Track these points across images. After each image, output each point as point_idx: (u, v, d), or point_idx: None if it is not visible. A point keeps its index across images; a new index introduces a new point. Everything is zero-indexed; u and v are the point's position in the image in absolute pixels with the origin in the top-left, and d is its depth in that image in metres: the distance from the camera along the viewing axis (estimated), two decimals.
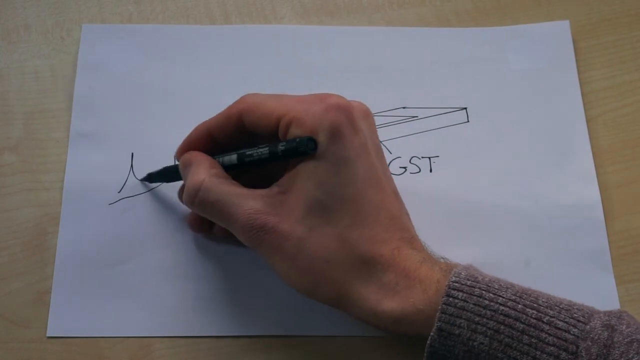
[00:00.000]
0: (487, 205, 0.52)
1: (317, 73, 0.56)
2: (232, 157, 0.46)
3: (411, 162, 0.53)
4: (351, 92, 0.55)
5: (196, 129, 0.48)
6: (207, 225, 0.49)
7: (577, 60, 0.56)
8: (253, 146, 0.46)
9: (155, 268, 0.50)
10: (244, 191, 0.45)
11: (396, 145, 0.54)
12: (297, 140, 0.43)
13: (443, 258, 0.45)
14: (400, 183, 0.52)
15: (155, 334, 0.48)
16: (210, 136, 0.47)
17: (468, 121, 0.54)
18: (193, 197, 0.45)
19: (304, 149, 0.43)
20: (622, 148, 0.54)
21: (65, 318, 0.48)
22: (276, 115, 0.44)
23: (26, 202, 0.51)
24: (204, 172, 0.46)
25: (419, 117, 0.54)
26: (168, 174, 0.50)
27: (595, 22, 0.58)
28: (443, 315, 0.40)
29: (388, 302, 0.42)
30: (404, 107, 0.55)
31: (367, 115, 0.46)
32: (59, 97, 0.55)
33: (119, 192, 0.52)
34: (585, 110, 0.55)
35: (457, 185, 0.53)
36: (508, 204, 0.52)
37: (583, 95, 0.55)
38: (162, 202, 0.52)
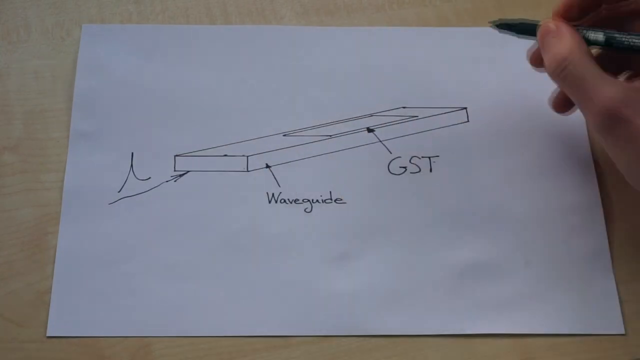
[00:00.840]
0: (487, 205, 0.52)
1: (317, 73, 0.56)
2: (599, 35, 0.46)
3: (411, 162, 0.53)
4: (351, 92, 0.55)
5: None
6: (570, 106, 0.50)
7: None
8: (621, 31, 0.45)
9: (155, 268, 0.50)
10: (605, 75, 0.44)
11: (396, 145, 0.54)
12: None
13: None
14: (400, 183, 0.52)
15: (155, 334, 0.48)
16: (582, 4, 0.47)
17: (468, 121, 0.54)
18: (558, 65, 0.45)
19: None
20: None
21: (65, 318, 0.48)
22: None
23: (26, 202, 0.51)
24: (572, 43, 0.45)
25: (419, 117, 0.55)
26: (524, 30, 0.49)
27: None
28: None
29: None
30: (404, 107, 0.55)
31: None
32: (59, 97, 0.55)
33: (119, 192, 0.52)
34: None
35: (457, 185, 0.53)
36: (508, 204, 0.52)
37: None
38: (162, 202, 0.52)
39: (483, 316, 0.49)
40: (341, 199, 0.52)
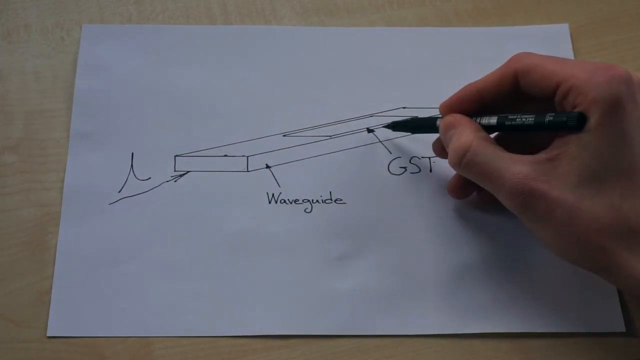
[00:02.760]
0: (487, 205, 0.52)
1: (317, 73, 0.56)
2: (492, 120, 0.46)
3: (411, 162, 0.53)
4: (351, 92, 0.55)
5: (465, 88, 0.48)
6: (467, 192, 0.50)
7: None
8: (515, 112, 0.46)
9: (155, 268, 0.50)
10: (511, 155, 0.45)
11: (396, 145, 0.54)
12: (568, 114, 0.43)
13: None
14: (400, 183, 0.52)
15: (155, 334, 0.48)
16: (479, 96, 0.47)
17: None
18: (460, 158, 0.45)
19: (574, 125, 0.42)
20: None
21: (65, 318, 0.48)
22: (556, 80, 0.44)
23: (26, 202, 0.51)
24: (471, 134, 0.46)
25: (419, 117, 0.54)
26: (418, 126, 0.50)
27: (595, 22, 0.58)
28: None
29: None
30: (404, 107, 0.55)
31: None
32: (59, 97, 0.55)
33: (119, 192, 0.52)
34: None
35: None
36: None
37: None
38: (162, 202, 0.52)
39: (483, 316, 0.49)
40: (341, 199, 0.52)
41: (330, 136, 0.54)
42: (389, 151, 0.54)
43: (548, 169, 0.43)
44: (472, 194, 0.51)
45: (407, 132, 0.52)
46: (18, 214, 0.51)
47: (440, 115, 0.49)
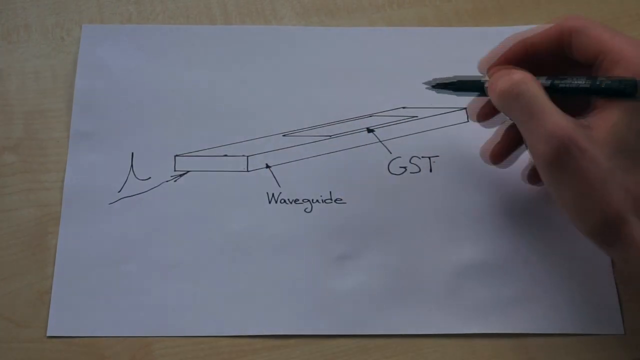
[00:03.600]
0: (487, 205, 0.52)
1: (317, 73, 0.56)
2: (542, 80, 0.45)
3: (411, 162, 0.53)
4: (351, 92, 0.55)
5: (513, 41, 0.47)
6: (505, 155, 0.49)
7: None
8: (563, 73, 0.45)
9: (155, 268, 0.50)
10: (557, 107, 0.44)
11: (396, 145, 0.54)
12: (625, 80, 0.42)
13: None
14: (400, 183, 0.52)
15: (155, 334, 0.48)
16: (526, 51, 0.46)
17: (468, 121, 0.54)
18: (513, 87, 0.44)
19: (631, 91, 0.42)
20: None
21: (65, 318, 0.48)
22: (604, 49, 0.43)
23: (26, 202, 0.51)
24: (526, 73, 0.45)
25: (419, 117, 0.55)
26: (464, 85, 0.48)
27: None
28: None
29: None
30: (404, 107, 0.55)
31: None
32: (59, 97, 0.55)
33: (119, 192, 0.52)
34: None
35: (457, 185, 0.53)
36: (507, 203, 0.52)
37: None
38: (162, 202, 0.52)
39: (483, 316, 0.49)
40: (341, 199, 0.52)
41: (330, 136, 0.54)
42: (389, 151, 0.54)
43: (588, 133, 0.43)
44: (508, 159, 0.50)
45: (451, 91, 0.50)
46: (18, 214, 0.51)
47: (486, 78, 0.48)
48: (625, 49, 0.43)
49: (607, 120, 0.43)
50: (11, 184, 0.52)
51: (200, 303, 0.49)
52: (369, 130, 0.54)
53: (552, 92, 0.45)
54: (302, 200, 0.52)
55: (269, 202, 0.52)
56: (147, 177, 0.52)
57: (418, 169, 0.53)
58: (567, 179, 0.43)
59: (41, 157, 0.53)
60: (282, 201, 0.52)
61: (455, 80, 0.49)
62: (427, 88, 0.50)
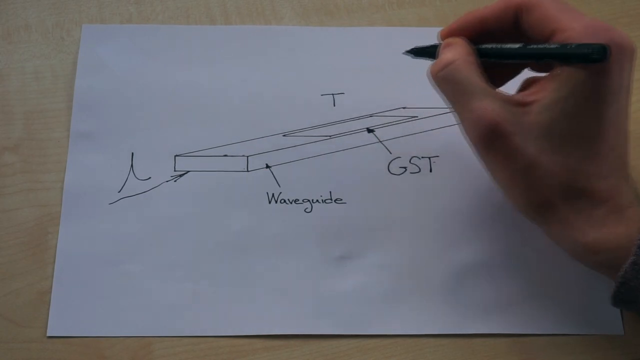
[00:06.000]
0: (487, 205, 0.52)
1: (317, 73, 0.56)
2: (514, 45, 0.45)
3: (411, 162, 0.53)
4: (351, 92, 0.55)
5: (468, 15, 0.47)
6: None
7: None
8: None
9: (155, 268, 0.50)
10: (487, 87, 0.44)
11: (396, 145, 0.54)
12: (591, 45, 0.41)
13: None
14: (400, 183, 0.52)
15: (155, 334, 0.48)
16: (480, 26, 0.47)
17: None
18: (439, 69, 0.45)
19: (599, 57, 0.41)
20: None
21: (65, 318, 0.48)
22: (553, 27, 0.43)
23: (26, 202, 0.51)
24: (460, 53, 0.45)
25: (419, 117, 0.55)
26: (432, 52, 0.49)
27: None
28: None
29: (593, 233, 0.43)
30: (404, 107, 0.55)
31: (634, 58, 0.44)
32: (59, 97, 0.55)
33: (119, 192, 0.52)
34: None
35: (457, 185, 0.53)
36: (507, 203, 0.52)
37: None
38: (162, 202, 0.52)
39: (483, 316, 0.49)
40: (341, 199, 0.52)
41: (330, 136, 0.54)
42: (389, 151, 0.54)
43: (518, 112, 0.43)
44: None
45: (426, 57, 0.49)
46: (18, 214, 0.51)
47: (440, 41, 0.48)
48: (575, 28, 0.43)
49: (541, 99, 0.43)
50: (11, 184, 0.52)
51: (200, 303, 0.49)
52: (369, 131, 0.54)
53: (517, 57, 0.45)
54: (302, 200, 0.52)
55: (269, 202, 0.52)
56: (147, 177, 0.52)
57: (418, 169, 0.53)
58: (496, 163, 0.45)
59: (41, 157, 0.53)
60: (282, 201, 0.52)
61: (429, 45, 0.49)
62: (403, 53, 0.50)
